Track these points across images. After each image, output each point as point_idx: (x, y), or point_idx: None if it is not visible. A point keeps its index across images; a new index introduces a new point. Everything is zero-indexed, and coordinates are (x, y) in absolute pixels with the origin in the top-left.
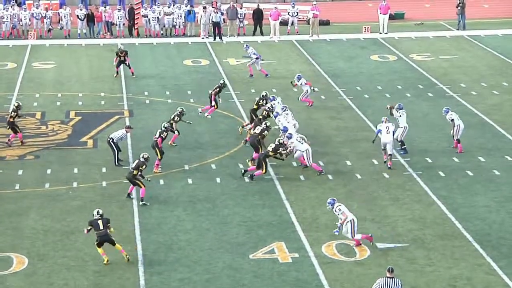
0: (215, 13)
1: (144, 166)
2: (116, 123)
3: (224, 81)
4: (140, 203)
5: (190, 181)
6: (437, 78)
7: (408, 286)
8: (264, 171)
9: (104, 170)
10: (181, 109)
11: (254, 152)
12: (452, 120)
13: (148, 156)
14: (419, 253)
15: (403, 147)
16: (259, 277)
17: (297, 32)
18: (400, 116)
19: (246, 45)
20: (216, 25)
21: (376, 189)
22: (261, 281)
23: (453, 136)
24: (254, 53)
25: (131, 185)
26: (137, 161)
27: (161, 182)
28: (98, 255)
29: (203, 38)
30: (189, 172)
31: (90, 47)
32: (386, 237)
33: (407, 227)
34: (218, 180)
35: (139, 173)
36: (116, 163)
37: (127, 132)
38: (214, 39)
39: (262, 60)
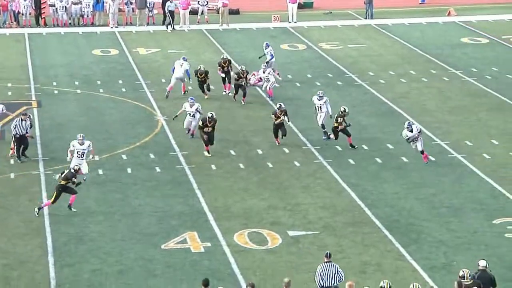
0: (170, 2)
1: (74, 178)
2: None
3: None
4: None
5: (100, 171)
6: (346, 67)
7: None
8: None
9: (12, 162)
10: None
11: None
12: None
13: (79, 168)
14: (330, 240)
15: (328, 133)
16: (171, 267)
17: (207, 21)
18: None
19: None
20: (171, 13)
21: (287, 177)
22: (173, 271)
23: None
24: None
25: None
26: (66, 171)
27: None
28: (8, 248)
29: (112, 27)
30: (99, 163)
31: None
32: (298, 225)
33: (318, 215)
34: (129, 170)
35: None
36: (18, 159)
37: (22, 120)
38: (171, 27)
39: None
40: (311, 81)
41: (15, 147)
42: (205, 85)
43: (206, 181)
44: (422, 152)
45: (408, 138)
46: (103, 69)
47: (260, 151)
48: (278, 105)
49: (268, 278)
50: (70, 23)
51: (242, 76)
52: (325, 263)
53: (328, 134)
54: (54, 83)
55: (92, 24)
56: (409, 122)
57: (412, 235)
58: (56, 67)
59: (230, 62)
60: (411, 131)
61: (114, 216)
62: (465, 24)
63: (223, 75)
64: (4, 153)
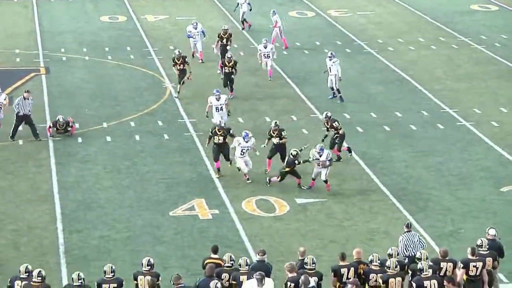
0: None
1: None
2: (32, 80)
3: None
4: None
5: (109, 138)
6: (355, 34)
7: (327, 241)
8: None
9: (20, 128)
10: None
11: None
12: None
13: (296, 153)
14: (338, 207)
15: (340, 95)
16: (179, 233)
17: None
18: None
19: None
20: None
21: (295, 145)
22: (181, 238)
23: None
24: None
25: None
26: (287, 158)
27: (79, 140)
28: (16, 214)
29: None
30: (107, 130)
31: (4, 3)
32: (306, 192)
33: None
34: (137, 137)
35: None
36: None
37: (25, 98)
38: None
39: None
40: (320, 49)
41: (15, 125)
42: (185, 78)
43: None
44: (325, 182)
45: (316, 159)
46: (111, 36)
47: (267, 119)
48: (274, 123)
49: (275, 245)
50: None
51: (227, 64)
52: (406, 233)
53: (340, 95)
54: (62, 50)
55: None
56: (321, 147)
57: (420, 203)
58: (64, 34)
59: (231, 35)
60: (321, 155)
61: (122, 183)
62: None
63: (217, 52)
64: (12, 119)
